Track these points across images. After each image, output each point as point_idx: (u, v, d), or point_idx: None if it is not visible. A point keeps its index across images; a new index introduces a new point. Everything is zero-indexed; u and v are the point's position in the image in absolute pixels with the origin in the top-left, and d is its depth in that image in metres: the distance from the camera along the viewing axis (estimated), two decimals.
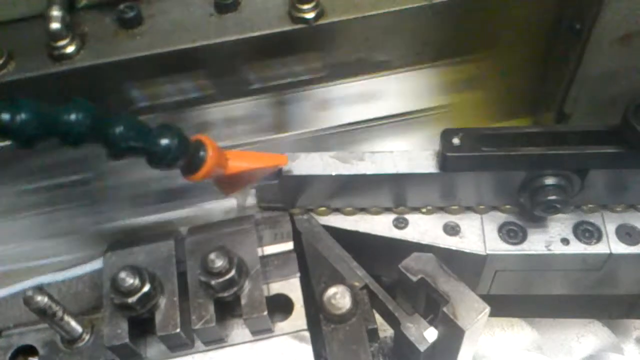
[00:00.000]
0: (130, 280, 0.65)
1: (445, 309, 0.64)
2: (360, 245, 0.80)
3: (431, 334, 0.70)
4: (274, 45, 0.80)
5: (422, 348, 0.69)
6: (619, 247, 0.76)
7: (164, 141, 0.60)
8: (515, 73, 0.82)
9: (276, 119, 0.89)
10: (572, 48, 0.71)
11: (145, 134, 0.60)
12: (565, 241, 0.76)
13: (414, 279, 0.66)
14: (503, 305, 0.91)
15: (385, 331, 0.84)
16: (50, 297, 0.66)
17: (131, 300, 0.65)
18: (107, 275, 0.70)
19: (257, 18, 0.80)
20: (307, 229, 0.79)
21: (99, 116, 0.57)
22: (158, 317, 0.68)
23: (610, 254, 0.76)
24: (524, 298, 0.89)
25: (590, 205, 0.77)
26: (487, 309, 0.64)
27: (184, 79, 0.82)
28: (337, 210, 0.80)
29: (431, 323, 0.70)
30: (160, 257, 0.71)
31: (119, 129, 0.58)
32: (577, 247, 0.76)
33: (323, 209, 0.80)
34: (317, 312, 0.71)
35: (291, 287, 0.74)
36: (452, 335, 0.66)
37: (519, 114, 0.88)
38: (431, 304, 0.69)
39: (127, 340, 0.67)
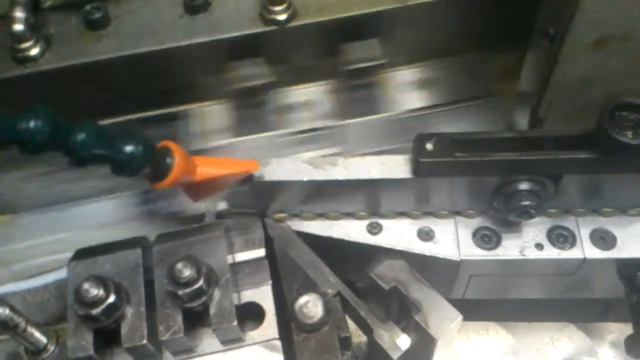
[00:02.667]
0: (94, 291, 0.63)
1: (417, 317, 0.63)
2: (333, 251, 0.79)
3: (404, 342, 0.69)
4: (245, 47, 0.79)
5: (394, 356, 0.68)
6: (593, 252, 0.75)
7: (128, 148, 0.59)
8: None
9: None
10: (546, 53, 0.71)
11: (109, 141, 0.59)
12: (539, 246, 0.76)
13: (386, 286, 0.65)
14: (478, 310, 0.90)
15: (360, 336, 0.84)
16: (12, 308, 0.64)
17: (95, 311, 0.63)
18: (72, 285, 0.67)
19: (227, 19, 0.79)
20: (279, 235, 0.78)
21: (60, 123, 0.56)
22: (124, 328, 0.66)
23: (585, 259, 0.75)
24: (499, 302, 0.89)
25: (565, 210, 0.77)
26: (460, 318, 0.63)
27: (152, 82, 0.80)
28: (310, 215, 0.79)
29: (404, 330, 0.70)
30: (126, 266, 0.69)
31: (80, 136, 0.56)
32: (551, 252, 0.75)
33: (296, 214, 0.79)
34: (289, 320, 0.70)
35: (263, 295, 0.72)
36: (425, 344, 0.65)
37: None
38: (404, 311, 0.68)
39: (91, 352, 0.64)
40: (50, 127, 0.54)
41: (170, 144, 0.63)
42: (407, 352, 0.69)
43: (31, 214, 0.86)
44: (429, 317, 0.63)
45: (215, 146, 0.84)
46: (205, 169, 0.66)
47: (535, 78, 0.75)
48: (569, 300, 0.89)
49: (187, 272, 0.63)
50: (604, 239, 0.76)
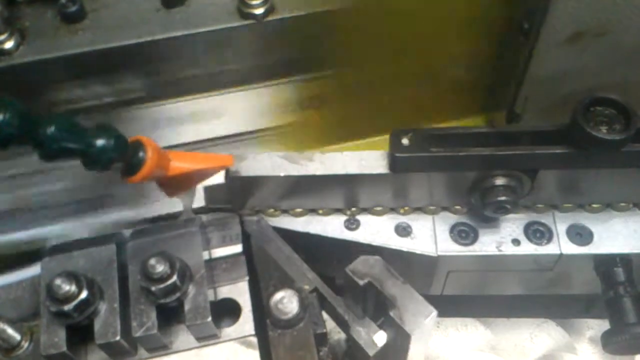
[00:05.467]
0: (66, 287, 0.62)
1: (392, 313, 0.63)
2: (311, 247, 0.79)
3: (380, 338, 0.68)
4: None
5: (371, 352, 0.68)
6: (570, 248, 0.75)
7: (100, 142, 0.58)
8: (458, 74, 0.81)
9: None
10: (521, 48, 0.71)
11: (80, 134, 0.58)
12: (516, 242, 0.76)
13: (361, 282, 0.65)
14: (457, 306, 0.90)
15: (340, 333, 0.83)
16: None
17: (67, 307, 0.62)
18: (44, 281, 0.67)
19: (205, 13, 0.78)
20: (256, 230, 0.77)
21: (29, 116, 0.55)
22: (97, 324, 0.65)
23: (561, 255, 0.75)
24: (477, 298, 0.89)
25: (541, 206, 0.77)
26: (434, 313, 0.63)
27: (128, 77, 0.79)
28: (287, 211, 0.79)
29: (381, 326, 0.69)
30: (101, 262, 0.68)
31: (50, 129, 0.55)
32: (527, 248, 0.75)
33: (273, 210, 0.78)
34: (265, 317, 0.69)
35: (239, 291, 0.72)
36: (400, 339, 0.65)
37: (470, 114, 0.87)
38: (380, 307, 0.68)
39: (64, 349, 0.64)
40: (18, 119, 0.53)
41: (143, 139, 0.62)
42: (384, 347, 0.69)
43: None
44: (404, 313, 0.62)
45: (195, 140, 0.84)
46: (179, 163, 0.65)
47: (511, 73, 0.75)
48: (548, 296, 0.89)
49: (160, 268, 0.63)
50: (580, 235, 0.76)
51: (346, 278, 0.66)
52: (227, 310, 0.72)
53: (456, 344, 0.91)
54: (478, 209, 0.74)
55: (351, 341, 0.70)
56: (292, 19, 0.78)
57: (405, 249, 0.76)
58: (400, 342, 0.65)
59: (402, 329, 0.62)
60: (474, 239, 0.76)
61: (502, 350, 0.90)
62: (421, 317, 0.62)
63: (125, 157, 0.60)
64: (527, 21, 0.68)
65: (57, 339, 0.64)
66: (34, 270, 0.75)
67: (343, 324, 0.71)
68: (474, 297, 0.88)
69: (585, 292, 0.85)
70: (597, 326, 0.93)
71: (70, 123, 0.57)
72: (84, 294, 0.63)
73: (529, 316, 0.93)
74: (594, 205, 0.77)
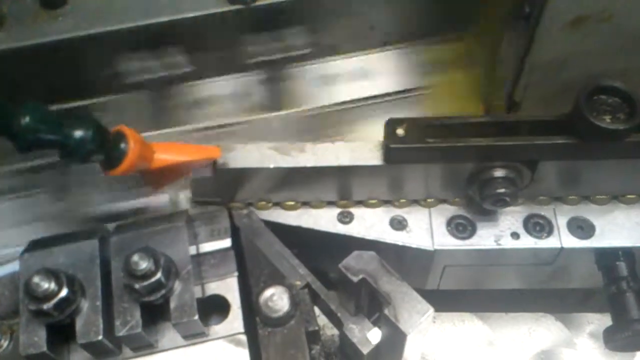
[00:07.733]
0: (45, 285, 0.59)
1: (386, 311, 0.60)
2: (303, 241, 0.76)
3: (375, 336, 0.66)
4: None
5: (365, 350, 0.66)
6: (571, 241, 0.73)
7: (78, 133, 0.55)
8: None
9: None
10: (521, 33, 0.68)
11: (57, 125, 0.55)
12: (515, 235, 0.73)
13: (355, 279, 0.62)
14: (454, 300, 0.88)
15: (333, 329, 0.81)
16: None
17: (47, 306, 0.60)
18: (23, 278, 0.64)
19: None
20: (246, 224, 0.75)
21: (2, 105, 0.52)
22: (79, 323, 0.62)
23: (562, 248, 0.73)
24: (475, 292, 0.87)
25: (542, 198, 0.74)
26: (431, 311, 0.60)
27: (110, 64, 0.77)
28: (278, 204, 0.76)
29: (376, 323, 0.67)
30: (82, 258, 0.66)
31: (24, 120, 0.52)
32: (527, 242, 0.73)
33: (263, 203, 0.76)
34: (254, 314, 0.67)
35: (228, 288, 0.70)
36: (395, 338, 0.62)
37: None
38: (374, 304, 0.66)
39: (44, 349, 0.61)
40: None
41: (125, 129, 0.59)
42: (378, 345, 0.66)
43: None
44: (399, 311, 0.60)
45: None
46: (163, 155, 0.62)
47: (511, 60, 0.72)
48: (547, 290, 0.87)
49: (143, 265, 0.60)
50: (581, 228, 0.74)
51: (339, 274, 0.64)
52: (215, 307, 0.69)
53: (453, 339, 0.89)
54: (476, 201, 0.71)
55: (345, 339, 0.68)
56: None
57: (400, 243, 0.74)
58: (395, 340, 0.63)
59: (397, 328, 0.60)
60: (472, 233, 0.74)
61: (500, 346, 0.88)
62: (417, 316, 0.60)
63: (105, 149, 0.57)
64: (529, 5, 0.65)
65: (37, 338, 0.62)
66: (14, 266, 0.73)
67: (336, 321, 0.69)
68: (471, 291, 0.86)
69: (585, 286, 0.83)
70: (597, 320, 0.91)
71: (46, 113, 0.54)
72: (64, 292, 0.60)
73: (528, 310, 0.91)
74: (596, 198, 0.74)
